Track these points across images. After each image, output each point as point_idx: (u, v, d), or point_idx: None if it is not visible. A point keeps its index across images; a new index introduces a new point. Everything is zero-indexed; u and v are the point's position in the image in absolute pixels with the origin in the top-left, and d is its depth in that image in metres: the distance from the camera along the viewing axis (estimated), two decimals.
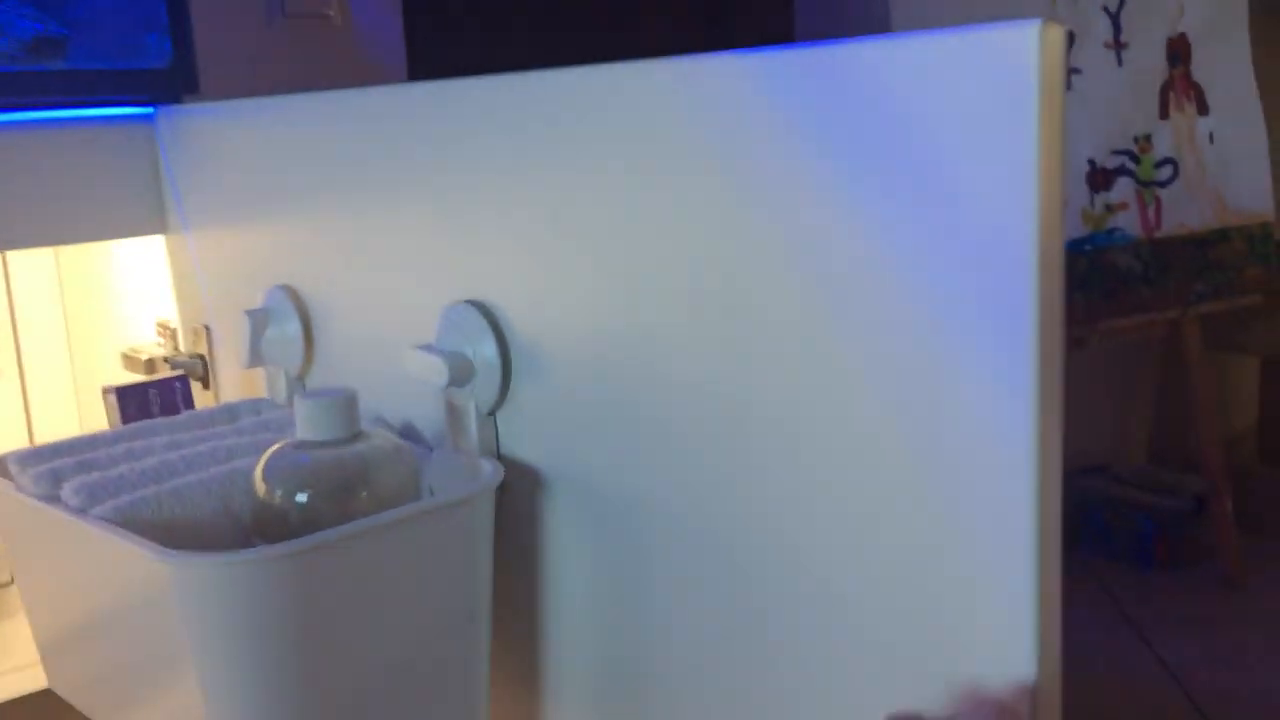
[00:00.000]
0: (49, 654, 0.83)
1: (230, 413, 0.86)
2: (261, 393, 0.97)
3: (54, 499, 0.72)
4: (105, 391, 0.91)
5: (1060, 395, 0.49)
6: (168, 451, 0.76)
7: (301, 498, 0.66)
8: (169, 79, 1.04)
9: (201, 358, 1.07)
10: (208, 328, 1.06)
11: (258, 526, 0.67)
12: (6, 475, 0.78)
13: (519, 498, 0.74)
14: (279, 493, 0.67)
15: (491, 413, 0.74)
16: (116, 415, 0.90)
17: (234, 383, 1.05)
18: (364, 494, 0.67)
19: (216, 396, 1.07)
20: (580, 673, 0.73)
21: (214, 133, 0.99)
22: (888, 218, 0.51)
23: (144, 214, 1.06)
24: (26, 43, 1.02)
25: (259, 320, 0.91)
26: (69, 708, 0.84)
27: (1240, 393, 2.16)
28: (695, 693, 0.65)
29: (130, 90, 1.04)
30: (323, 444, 0.67)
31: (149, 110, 1.05)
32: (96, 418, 1.18)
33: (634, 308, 0.65)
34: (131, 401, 0.90)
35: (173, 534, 0.67)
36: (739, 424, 0.60)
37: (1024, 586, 0.50)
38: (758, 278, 0.58)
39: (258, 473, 0.67)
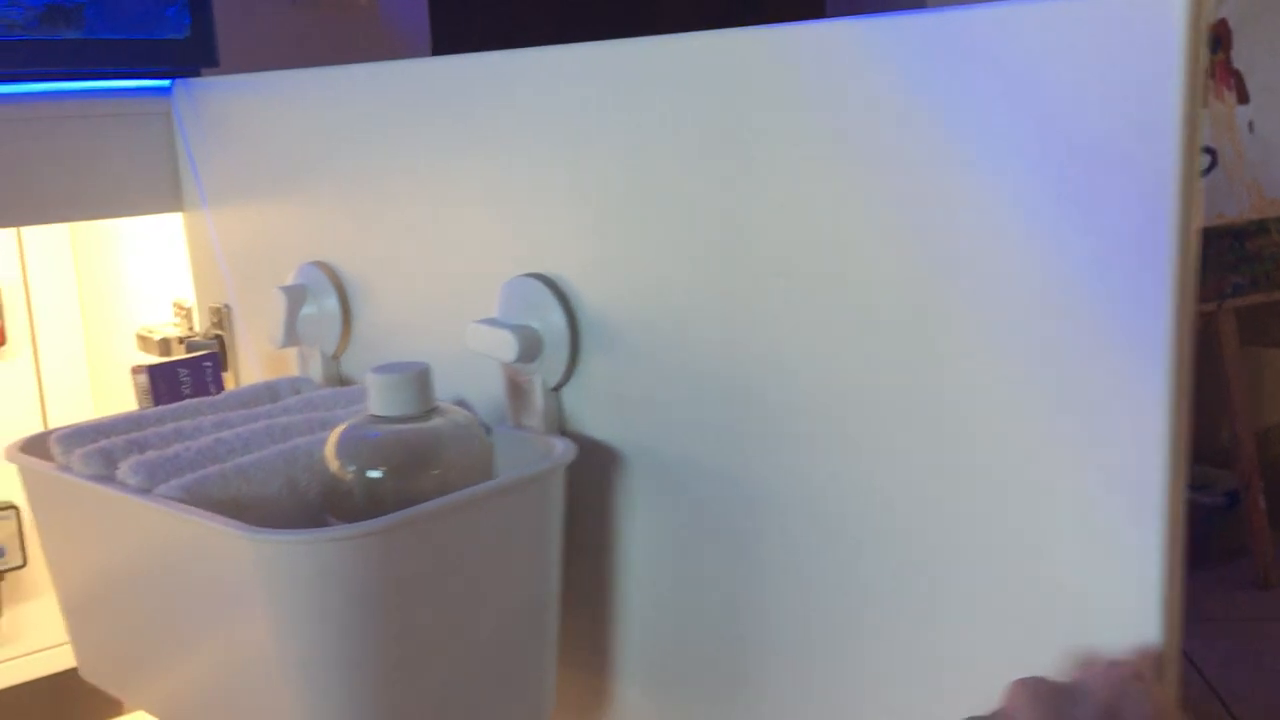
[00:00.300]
0: (82, 637, 0.81)
1: (271, 391, 0.84)
2: (279, 374, 0.94)
3: (107, 479, 0.70)
4: (135, 371, 0.89)
5: (1191, 366, 0.49)
6: (218, 430, 0.74)
7: (375, 474, 0.65)
8: (187, 51, 1.01)
9: (219, 338, 1.05)
10: (227, 307, 1.03)
11: (329, 504, 0.66)
12: (43, 455, 0.76)
13: (584, 475, 0.72)
14: (352, 469, 0.65)
15: (556, 388, 0.73)
16: (147, 394, 0.88)
17: (253, 363, 1.03)
18: (437, 471, 0.65)
19: (236, 378, 1.04)
20: (650, 653, 0.72)
21: (235, 107, 0.97)
22: (1017, 184, 0.51)
23: (160, 190, 1.03)
24: (39, 11, 0.98)
25: (295, 297, 0.88)
26: (87, 689, 0.82)
27: (1275, 388, 2.13)
28: (788, 673, 0.65)
29: (146, 62, 1.01)
30: (397, 420, 0.65)
31: (166, 83, 1.02)
32: (110, 397, 1.15)
33: (718, 278, 0.63)
34: (162, 381, 0.88)
35: (240, 512, 0.66)
36: (836, 398, 0.59)
37: (1152, 555, 0.50)
38: (864, 247, 0.57)
39: (329, 449, 0.66)
